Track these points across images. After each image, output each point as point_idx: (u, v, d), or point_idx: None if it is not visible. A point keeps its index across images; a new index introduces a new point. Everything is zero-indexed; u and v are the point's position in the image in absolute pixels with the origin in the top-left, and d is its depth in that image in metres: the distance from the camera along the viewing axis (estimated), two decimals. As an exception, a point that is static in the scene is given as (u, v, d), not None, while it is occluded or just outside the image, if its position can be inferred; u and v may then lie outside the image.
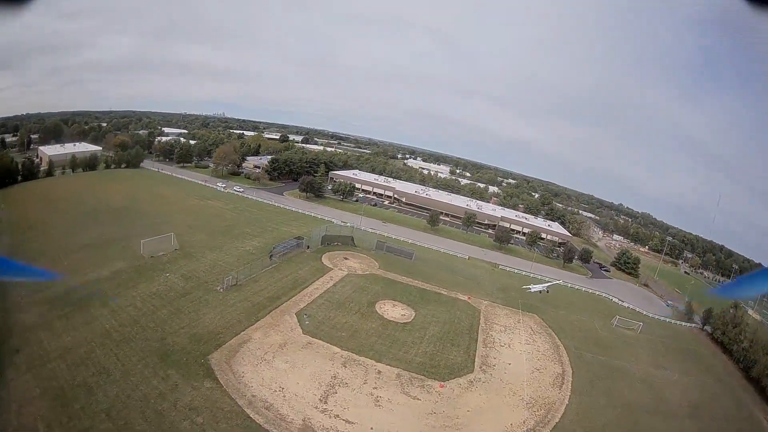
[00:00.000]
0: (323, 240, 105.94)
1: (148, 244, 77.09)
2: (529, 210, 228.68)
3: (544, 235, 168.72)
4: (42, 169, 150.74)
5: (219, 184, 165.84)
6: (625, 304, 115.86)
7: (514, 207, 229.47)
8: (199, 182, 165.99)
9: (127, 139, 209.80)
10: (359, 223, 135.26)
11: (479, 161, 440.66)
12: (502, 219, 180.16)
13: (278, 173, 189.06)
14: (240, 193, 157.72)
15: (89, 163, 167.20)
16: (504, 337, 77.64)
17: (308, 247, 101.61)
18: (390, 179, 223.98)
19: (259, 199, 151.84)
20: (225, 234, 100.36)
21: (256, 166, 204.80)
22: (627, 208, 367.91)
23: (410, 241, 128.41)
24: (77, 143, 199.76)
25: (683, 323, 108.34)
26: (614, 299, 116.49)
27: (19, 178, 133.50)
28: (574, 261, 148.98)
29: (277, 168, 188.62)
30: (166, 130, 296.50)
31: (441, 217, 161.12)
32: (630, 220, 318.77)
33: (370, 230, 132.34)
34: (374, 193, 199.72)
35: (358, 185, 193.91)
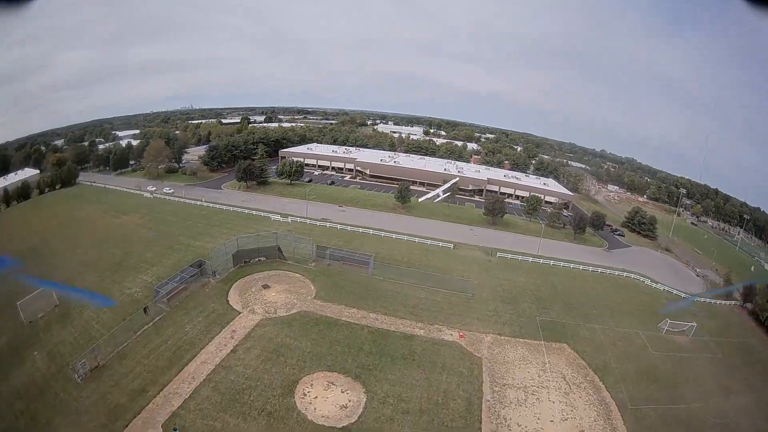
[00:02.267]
0: (236, 258, 68.64)
1: (27, 305, 55.98)
2: (516, 166, 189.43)
3: (543, 197, 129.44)
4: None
5: (149, 187, 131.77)
6: (660, 286, 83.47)
7: (499, 165, 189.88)
8: (130, 190, 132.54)
9: (65, 156, 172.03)
10: (306, 212, 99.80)
11: (453, 119, 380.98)
12: (489, 182, 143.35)
13: (218, 163, 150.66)
14: (168, 195, 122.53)
15: (22, 193, 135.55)
16: (527, 412, 42.11)
17: (214, 273, 64.39)
18: (352, 149, 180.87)
19: (186, 200, 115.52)
20: (118, 268, 70.48)
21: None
22: (610, 153, 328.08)
23: (372, 232, 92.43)
24: (20, 171, 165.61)
25: (722, 302, 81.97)
26: (645, 281, 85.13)
27: None
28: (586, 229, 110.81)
29: (216, 156, 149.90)
30: (120, 134, 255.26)
31: (414, 188, 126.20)
32: (617, 166, 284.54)
33: (319, 222, 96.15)
34: (333, 168, 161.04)
35: (312, 161, 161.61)
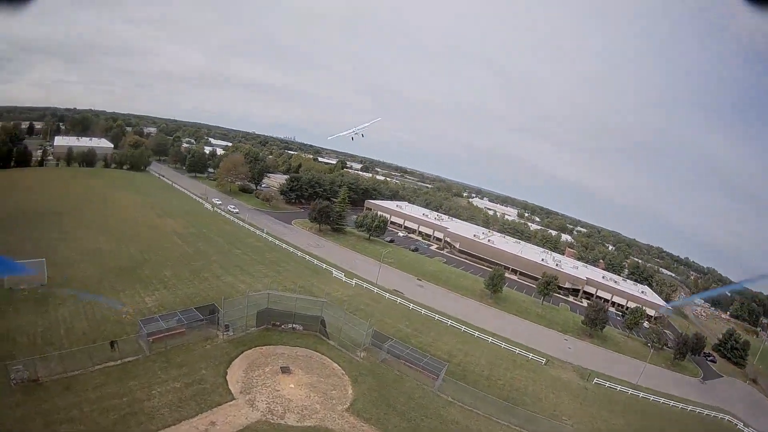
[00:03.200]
0: (262, 317, 49.58)
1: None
2: (610, 267, 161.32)
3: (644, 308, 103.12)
4: (39, 159, 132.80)
5: (214, 200, 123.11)
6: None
7: (594, 262, 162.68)
8: (192, 195, 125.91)
9: (144, 141, 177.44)
10: (377, 278, 79.61)
11: (546, 206, 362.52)
12: (588, 282, 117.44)
13: (297, 196, 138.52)
14: (230, 214, 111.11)
15: (86, 159, 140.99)
16: None
17: (227, 327, 46.08)
18: (444, 217, 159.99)
19: (246, 225, 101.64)
20: (126, 274, 59.63)
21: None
22: (694, 262, 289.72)
23: (450, 323, 69.45)
24: (96, 138, 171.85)
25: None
26: (738, 423, 64.87)
27: (12, 164, 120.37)
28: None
29: (296, 188, 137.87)
30: (213, 141, 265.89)
31: (506, 275, 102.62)
32: (701, 276, 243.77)
33: (388, 295, 74.82)
34: (420, 233, 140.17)
35: (399, 221, 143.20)
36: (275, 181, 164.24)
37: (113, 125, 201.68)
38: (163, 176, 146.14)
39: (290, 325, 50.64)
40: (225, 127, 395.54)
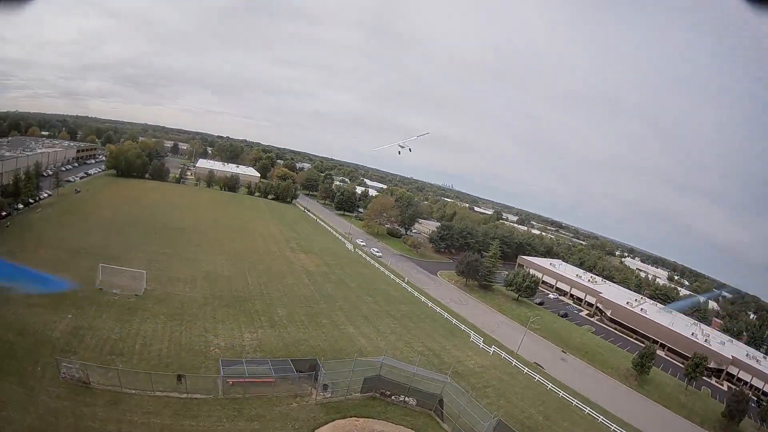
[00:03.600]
0: (369, 383, 44.47)
1: (110, 273, 57.40)
2: (754, 340, 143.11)
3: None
4: (177, 176, 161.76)
5: (358, 240, 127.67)
6: None
7: (738, 335, 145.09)
8: (335, 232, 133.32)
9: (292, 173, 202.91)
10: (518, 347, 71.17)
11: (694, 267, 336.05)
12: (734, 361, 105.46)
13: (447, 245, 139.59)
14: (371, 257, 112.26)
15: (228, 183, 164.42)
16: None
17: (325, 388, 42.14)
18: (597, 279, 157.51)
19: (387, 272, 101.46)
20: (236, 302, 62.26)
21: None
22: None
23: (588, 411, 58.96)
24: (243, 167, 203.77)
25: None
26: None
27: (147, 176, 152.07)
28: None
29: (446, 238, 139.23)
30: (368, 182, 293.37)
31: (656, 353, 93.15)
32: None
33: (526, 370, 65.35)
34: (572, 296, 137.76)
35: (551, 281, 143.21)
36: (426, 227, 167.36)
37: (263, 156, 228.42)
38: (309, 210, 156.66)
39: (402, 398, 44.69)
40: (383, 170, 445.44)
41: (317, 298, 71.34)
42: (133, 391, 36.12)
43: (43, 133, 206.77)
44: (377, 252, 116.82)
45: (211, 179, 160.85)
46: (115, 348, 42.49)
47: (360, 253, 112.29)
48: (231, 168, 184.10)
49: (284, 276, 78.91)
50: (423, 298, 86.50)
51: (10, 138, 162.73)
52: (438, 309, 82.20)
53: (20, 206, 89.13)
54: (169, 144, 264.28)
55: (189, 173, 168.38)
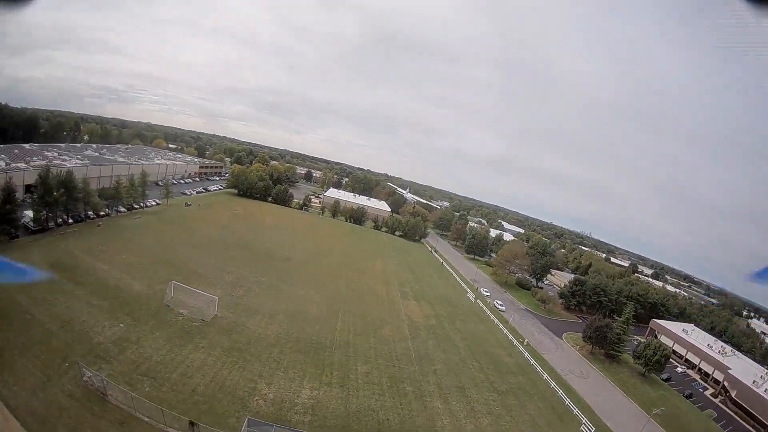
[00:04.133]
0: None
1: (183, 292, 56.02)
2: None
3: None
4: (299, 203, 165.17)
5: (482, 290, 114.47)
6: None
7: None
8: (458, 278, 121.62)
9: (424, 211, 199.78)
10: None
11: None
12: None
13: (577, 302, 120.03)
14: (493, 311, 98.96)
15: (355, 216, 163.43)
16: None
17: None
18: (727, 349, 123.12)
19: (506, 331, 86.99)
20: (312, 348, 55.05)
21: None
22: None
23: None
24: (375, 200, 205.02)
25: None
26: None
27: (269, 199, 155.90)
28: None
29: (578, 294, 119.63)
30: (505, 224, 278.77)
31: None
32: None
33: None
34: (699, 370, 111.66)
35: (681, 350, 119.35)
36: (559, 279, 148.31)
37: (396, 191, 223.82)
38: (436, 251, 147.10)
39: None
40: (522, 213, 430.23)
41: (411, 358, 60.39)
42: (146, 419, 33.93)
43: (171, 145, 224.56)
44: (500, 305, 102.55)
45: (336, 209, 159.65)
46: (150, 370, 39.78)
47: (480, 305, 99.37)
48: (361, 200, 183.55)
49: (382, 325, 69.45)
50: (539, 368, 70.86)
51: (129, 145, 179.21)
52: (553, 383, 66.18)
53: (122, 209, 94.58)
54: (302, 171, 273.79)
55: (317, 200, 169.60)
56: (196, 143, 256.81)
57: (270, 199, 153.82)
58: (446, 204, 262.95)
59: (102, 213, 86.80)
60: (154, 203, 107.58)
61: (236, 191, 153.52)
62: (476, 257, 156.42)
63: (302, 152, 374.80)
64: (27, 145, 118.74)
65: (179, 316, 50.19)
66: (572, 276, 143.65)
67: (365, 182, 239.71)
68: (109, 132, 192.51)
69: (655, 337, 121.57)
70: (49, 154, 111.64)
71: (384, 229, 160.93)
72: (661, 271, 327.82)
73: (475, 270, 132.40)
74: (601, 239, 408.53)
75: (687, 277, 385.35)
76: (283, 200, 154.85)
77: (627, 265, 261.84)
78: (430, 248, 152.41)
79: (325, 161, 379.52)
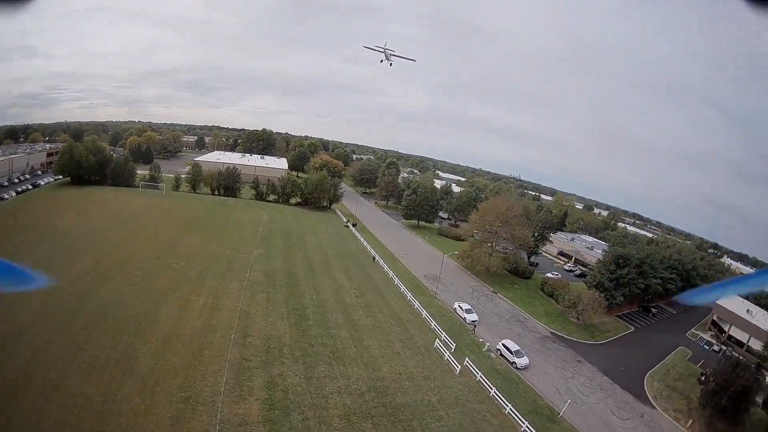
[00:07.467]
0: None
1: None
2: None
3: None
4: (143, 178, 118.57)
5: (458, 305, 57.51)
6: None
7: None
8: (396, 280, 63.18)
9: (334, 161, 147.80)
10: None
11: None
12: None
13: (623, 294, 64.88)
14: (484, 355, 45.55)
15: (226, 184, 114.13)
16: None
17: None
18: None
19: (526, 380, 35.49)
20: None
21: (562, 254, 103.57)
22: None
23: None
24: (272, 158, 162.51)
25: None
26: None
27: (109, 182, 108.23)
28: None
29: (623, 282, 64.36)
30: (442, 174, 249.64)
31: None
32: None
33: None
34: None
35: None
36: (556, 246, 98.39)
37: (305, 144, 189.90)
38: (352, 225, 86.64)
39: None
40: (451, 162, 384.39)
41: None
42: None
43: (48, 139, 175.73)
44: (512, 351, 45.21)
45: (196, 179, 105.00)
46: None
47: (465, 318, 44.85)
48: (251, 161, 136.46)
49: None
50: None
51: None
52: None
53: None
54: (191, 139, 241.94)
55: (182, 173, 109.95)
56: (113, 132, 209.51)
57: (110, 181, 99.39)
58: (370, 158, 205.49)
59: None
60: None
61: (70, 179, 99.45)
62: (421, 223, 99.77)
63: (221, 125, 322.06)
64: None
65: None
66: (584, 241, 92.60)
67: (266, 140, 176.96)
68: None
69: (721, 331, 73.02)
70: None
71: (272, 197, 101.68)
72: (616, 215, 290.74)
73: (426, 248, 76.40)
74: (531, 181, 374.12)
75: (635, 215, 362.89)
76: (126, 180, 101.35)
77: (582, 207, 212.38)
78: (345, 220, 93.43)
79: (243, 131, 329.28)
